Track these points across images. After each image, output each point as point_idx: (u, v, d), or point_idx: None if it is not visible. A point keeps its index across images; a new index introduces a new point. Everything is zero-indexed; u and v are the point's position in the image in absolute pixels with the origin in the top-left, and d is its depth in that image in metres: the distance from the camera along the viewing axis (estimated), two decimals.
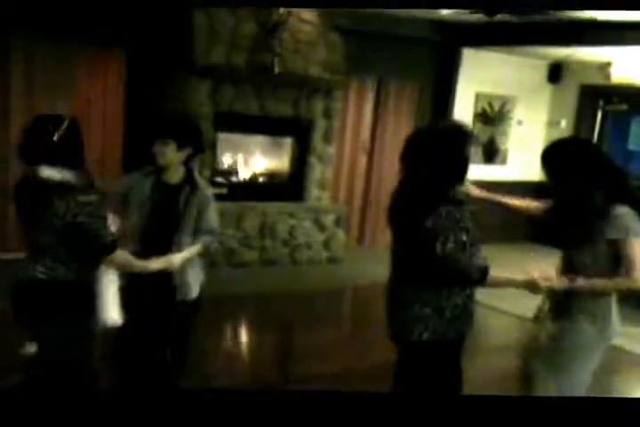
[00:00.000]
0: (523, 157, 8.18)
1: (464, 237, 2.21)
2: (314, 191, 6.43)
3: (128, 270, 2.55)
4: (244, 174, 6.30)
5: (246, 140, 6.20)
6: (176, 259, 2.72)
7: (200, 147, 2.83)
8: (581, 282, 2.34)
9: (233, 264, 5.92)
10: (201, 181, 2.89)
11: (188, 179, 2.82)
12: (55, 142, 2.29)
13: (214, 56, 5.62)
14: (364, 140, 7.06)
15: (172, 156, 2.73)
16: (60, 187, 2.27)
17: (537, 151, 8.78)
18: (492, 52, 7.51)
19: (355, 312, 5.71)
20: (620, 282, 2.35)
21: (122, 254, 2.44)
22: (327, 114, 6.35)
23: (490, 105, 7.82)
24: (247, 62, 5.77)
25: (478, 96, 7.71)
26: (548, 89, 8.19)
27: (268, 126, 6.07)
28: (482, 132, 7.81)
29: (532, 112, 8.14)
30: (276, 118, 6.03)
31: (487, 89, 7.72)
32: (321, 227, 6.40)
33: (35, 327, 2.44)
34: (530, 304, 2.78)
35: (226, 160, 6.21)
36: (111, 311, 2.50)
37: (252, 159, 6.34)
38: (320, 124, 6.32)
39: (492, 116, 7.85)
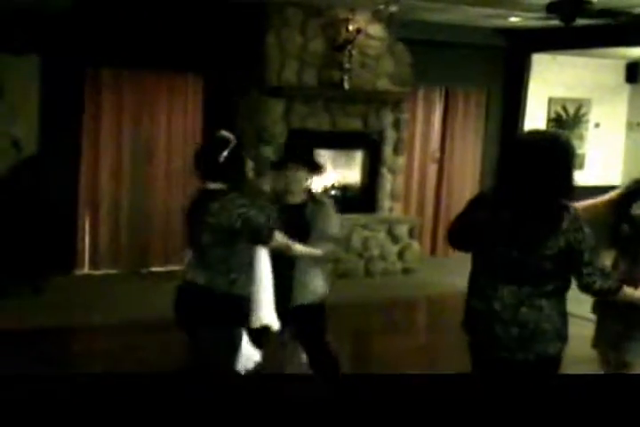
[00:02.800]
0: (602, 161, 8.49)
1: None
2: (386, 203, 6.89)
3: (284, 250, 3.05)
4: (317, 188, 6.70)
5: (319, 156, 6.58)
6: (297, 246, 3.17)
7: (320, 172, 3.52)
8: None
9: None
10: (320, 196, 3.52)
11: (310, 196, 3.41)
12: (220, 162, 2.80)
13: (286, 76, 6.25)
14: (433, 149, 7.55)
15: (304, 181, 3.38)
16: (216, 192, 2.81)
17: (617, 155, 9.06)
18: (564, 55, 7.83)
19: (433, 321, 6.15)
20: None
21: (280, 240, 2.96)
22: (396, 125, 6.81)
23: (564, 109, 8.15)
24: (317, 80, 6.38)
25: (551, 100, 8.06)
26: (626, 89, 8.43)
27: (339, 141, 6.58)
28: None
29: (609, 114, 8.40)
30: (347, 132, 6.54)
31: (560, 92, 8.05)
32: (395, 238, 6.88)
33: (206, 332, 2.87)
34: None
35: None
36: (269, 315, 3.04)
37: (325, 173, 6.80)
38: (390, 136, 6.79)
39: (567, 120, 8.18)
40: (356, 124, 6.64)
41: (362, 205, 6.87)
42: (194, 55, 6.21)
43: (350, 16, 6.43)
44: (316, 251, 3.29)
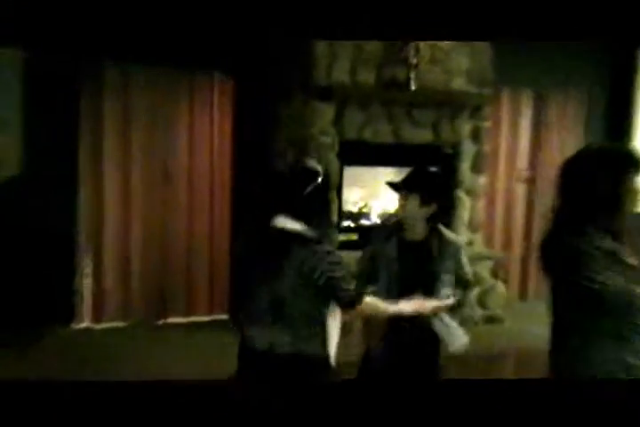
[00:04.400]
0: None
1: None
2: (464, 233, 6.36)
3: (381, 316, 2.91)
4: (376, 216, 6.33)
5: (378, 175, 6.17)
6: (429, 303, 3.00)
7: (447, 204, 3.30)
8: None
9: None
10: (450, 234, 3.26)
11: (433, 233, 3.16)
12: (304, 197, 2.63)
13: (337, 74, 5.78)
14: (522, 166, 7.16)
15: (414, 211, 3.09)
16: (299, 237, 2.60)
17: None
18: None
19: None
20: None
21: (370, 302, 2.74)
22: (475, 137, 6.37)
23: None
24: (376, 79, 5.88)
25: None
26: None
27: (404, 156, 6.06)
28: None
29: None
30: (414, 146, 6.10)
31: None
32: (475, 278, 6.17)
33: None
34: None
35: (355, 200, 6.30)
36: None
37: (386, 198, 6.26)
38: (467, 150, 6.35)
39: None
40: (424, 134, 6.17)
41: None
42: (222, 50, 5.80)
43: None
44: (449, 301, 3.12)
